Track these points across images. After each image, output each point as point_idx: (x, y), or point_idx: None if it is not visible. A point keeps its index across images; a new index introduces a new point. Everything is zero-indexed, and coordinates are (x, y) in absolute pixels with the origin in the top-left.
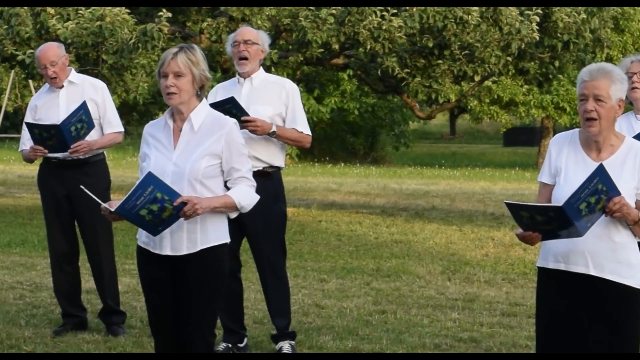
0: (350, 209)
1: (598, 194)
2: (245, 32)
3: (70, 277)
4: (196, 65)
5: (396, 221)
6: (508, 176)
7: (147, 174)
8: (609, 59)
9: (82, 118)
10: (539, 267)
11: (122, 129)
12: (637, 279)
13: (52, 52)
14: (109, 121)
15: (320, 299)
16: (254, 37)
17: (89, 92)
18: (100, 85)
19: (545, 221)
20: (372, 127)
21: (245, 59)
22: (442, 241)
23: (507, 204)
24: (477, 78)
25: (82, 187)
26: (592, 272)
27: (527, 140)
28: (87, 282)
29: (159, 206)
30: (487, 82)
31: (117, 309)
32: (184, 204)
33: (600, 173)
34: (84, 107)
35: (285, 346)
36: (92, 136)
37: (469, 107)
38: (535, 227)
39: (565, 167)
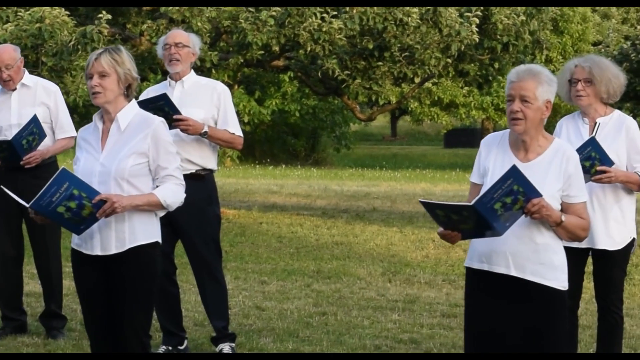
0: (291, 210)
1: (514, 194)
2: (177, 35)
3: (14, 281)
4: (121, 65)
5: (337, 223)
6: (449, 177)
7: (60, 170)
8: (549, 61)
9: (33, 130)
10: (466, 267)
11: (74, 134)
12: (560, 281)
13: (8, 55)
14: (61, 126)
15: (261, 301)
16: (185, 40)
17: (41, 95)
18: (54, 88)
19: (461, 220)
20: (313, 128)
21: (177, 61)
22: (383, 243)
23: (422, 203)
24: (417, 80)
25: (3, 188)
26: (513, 273)
27: (467, 141)
28: (27, 285)
29: (77, 203)
30: (428, 84)
31: (59, 313)
32: (103, 201)
33: (514, 174)
34: (34, 120)
35: (225, 348)
36: (45, 141)
37: (409, 108)
38: (453, 225)
39: (492, 167)
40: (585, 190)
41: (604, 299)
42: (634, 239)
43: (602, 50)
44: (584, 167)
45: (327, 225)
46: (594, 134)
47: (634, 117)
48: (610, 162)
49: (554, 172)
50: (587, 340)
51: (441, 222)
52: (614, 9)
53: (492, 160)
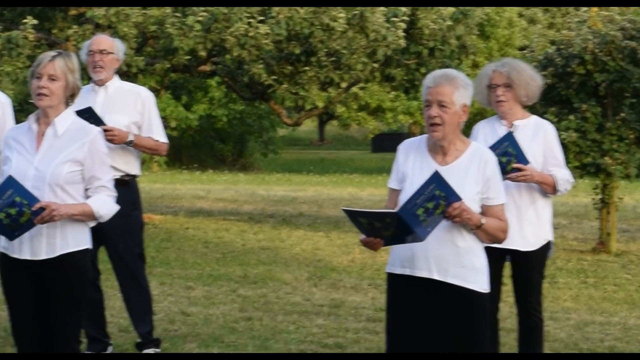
0: (218, 215)
1: (436, 199)
2: (101, 41)
3: None
4: (72, 73)
5: (263, 228)
6: (376, 182)
7: (7, 178)
8: (475, 65)
9: None
10: (387, 273)
11: None
12: (481, 284)
13: None
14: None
15: (187, 307)
16: (110, 46)
17: None
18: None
19: (384, 227)
20: (240, 133)
21: (101, 68)
22: (309, 247)
23: (345, 211)
24: (343, 84)
25: None
26: (436, 277)
27: (394, 146)
28: None
29: (17, 210)
30: (354, 89)
31: None
32: (42, 209)
33: (436, 179)
34: None
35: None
36: None
37: (336, 113)
38: (376, 233)
39: (411, 172)
40: (503, 192)
41: (523, 302)
42: (550, 241)
43: (528, 54)
44: (500, 163)
45: (254, 230)
46: (511, 131)
47: (559, 121)
48: (525, 161)
49: (472, 176)
50: (511, 343)
51: (364, 229)
52: (540, 14)
53: (411, 165)
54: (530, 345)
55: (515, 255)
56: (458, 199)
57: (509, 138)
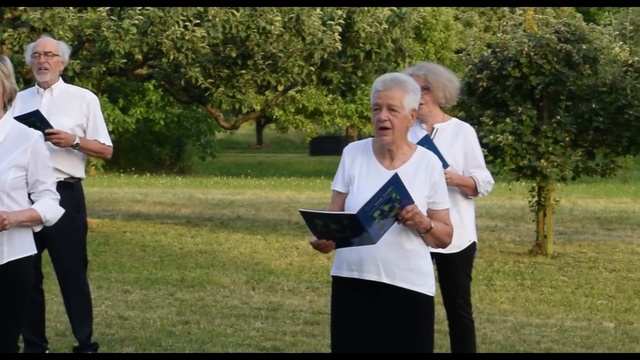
0: (156, 219)
1: (392, 202)
2: (46, 43)
3: None
4: (7, 78)
5: (201, 231)
6: (314, 185)
7: None
8: None
9: None
10: (333, 276)
11: None
12: (429, 286)
13: None
14: None
15: (124, 310)
16: (55, 48)
17: None
18: None
19: (339, 229)
20: (178, 137)
21: (46, 70)
22: (247, 251)
23: (302, 212)
24: (280, 88)
25: None
26: (385, 280)
27: (332, 149)
28: None
29: None
30: (292, 92)
31: None
32: None
33: (395, 182)
34: None
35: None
36: None
37: (274, 116)
38: (329, 235)
39: (358, 175)
40: (448, 197)
41: (451, 303)
42: (474, 242)
43: (464, 58)
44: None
45: (192, 234)
46: (431, 136)
47: (495, 124)
48: (445, 164)
49: (420, 180)
50: (449, 346)
51: (318, 231)
52: (476, 17)
53: (358, 168)
54: (463, 346)
55: (440, 258)
56: (411, 201)
57: (427, 141)
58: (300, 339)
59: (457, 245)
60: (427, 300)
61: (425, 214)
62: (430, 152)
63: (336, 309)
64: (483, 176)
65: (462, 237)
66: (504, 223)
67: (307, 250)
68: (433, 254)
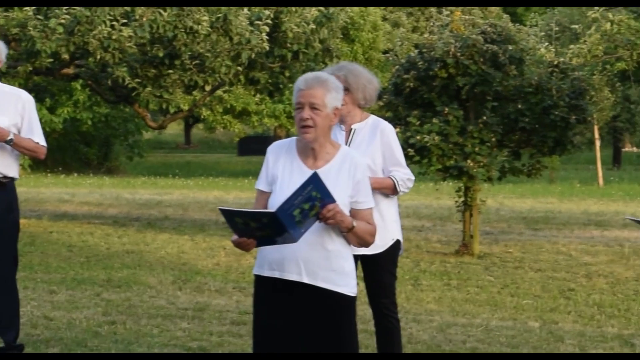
0: (83, 219)
1: (312, 200)
2: None
3: None
4: None
5: (128, 231)
6: (242, 185)
7: None
8: None
9: None
10: (255, 275)
11: None
12: (350, 287)
13: None
14: None
15: (50, 311)
16: None
17: None
18: None
19: (259, 227)
20: (105, 137)
21: None
22: (174, 251)
23: (222, 210)
24: (208, 88)
25: None
26: (305, 280)
27: (260, 149)
28: None
29: None
30: (219, 92)
31: None
32: None
33: (314, 181)
34: None
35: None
36: None
37: (202, 116)
38: (250, 233)
39: (281, 175)
40: (371, 196)
41: (377, 303)
42: (398, 240)
43: (391, 58)
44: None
45: (118, 234)
46: (349, 137)
47: (422, 124)
48: (332, 199)
49: (343, 179)
50: (375, 346)
51: (238, 229)
52: (404, 17)
53: (281, 167)
54: (389, 346)
55: (365, 258)
56: (333, 200)
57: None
58: (227, 339)
59: (380, 244)
60: (349, 300)
61: (348, 213)
62: (353, 151)
63: (258, 308)
64: (402, 174)
65: (385, 236)
66: (431, 223)
67: (234, 251)
68: (357, 256)
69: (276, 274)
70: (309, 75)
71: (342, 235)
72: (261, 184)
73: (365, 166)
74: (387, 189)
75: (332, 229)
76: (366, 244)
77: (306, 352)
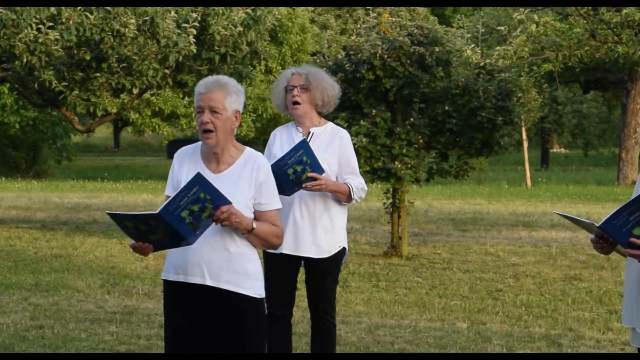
0: (10, 223)
1: (201, 202)
2: None
3: None
4: None
5: (56, 235)
6: None
7: None
8: (268, 71)
9: None
10: (163, 280)
11: None
12: (255, 288)
13: None
14: None
15: None
16: None
17: None
18: None
19: (150, 230)
20: (33, 140)
21: None
22: (103, 254)
23: (110, 215)
24: (135, 91)
25: None
26: (209, 283)
27: None
28: None
29: None
30: (147, 95)
31: None
32: None
33: (199, 181)
34: None
35: None
36: None
37: (130, 119)
38: (144, 237)
39: (185, 179)
40: (277, 198)
41: (316, 306)
42: (344, 247)
43: (318, 60)
44: (295, 172)
45: (46, 238)
46: (307, 139)
47: (349, 127)
48: (321, 170)
49: (245, 181)
50: (303, 347)
51: (131, 234)
52: (332, 19)
53: (185, 172)
54: (322, 349)
55: (309, 262)
56: (227, 202)
57: (304, 145)
58: (155, 343)
59: (327, 250)
60: (254, 302)
61: (251, 215)
62: (258, 153)
63: (167, 312)
64: (357, 183)
65: (333, 242)
66: (360, 225)
67: (163, 254)
68: (300, 259)
69: (181, 278)
70: (208, 79)
71: (245, 237)
72: (168, 190)
73: (269, 168)
74: (342, 195)
75: (235, 230)
76: (272, 245)
77: (211, 353)
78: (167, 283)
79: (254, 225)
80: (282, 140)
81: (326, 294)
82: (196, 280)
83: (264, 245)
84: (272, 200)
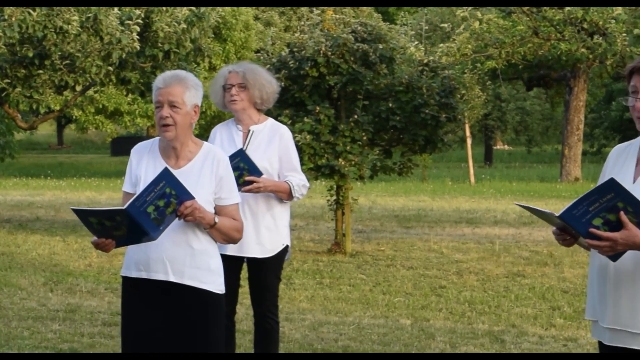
0: None
1: (167, 197)
2: None
3: None
4: None
5: None
6: (115, 185)
7: None
8: (212, 68)
9: None
10: (123, 277)
11: None
12: (217, 284)
13: None
14: None
15: None
16: None
17: None
18: None
19: (115, 226)
20: None
21: None
22: (46, 252)
23: (75, 211)
24: (78, 88)
25: None
26: (172, 279)
27: None
28: None
29: None
30: (91, 92)
31: None
32: None
33: (166, 176)
34: None
35: None
36: None
37: (74, 117)
38: (107, 233)
39: (144, 175)
40: (237, 192)
41: (259, 305)
42: (287, 245)
43: (262, 57)
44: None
45: None
46: (244, 147)
47: (293, 123)
48: (259, 173)
49: (205, 176)
50: (246, 345)
51: (95, 230)
52: (276, 17)
53: (144, 168)
54: (266, 347)
55: (252, 261)
56: (190, 197)
57: (241, 154)
58: (98, 341)
59: (270, 249)
60: (216, 298)
61: (212, 210)
62: (216, 148)
63: (126, 310)
64: (298, 180)
65: (277, 240)
66: (304, 222)
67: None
68: (243, 258)
69: (143, 275)
70: (167, 73)
71: (207, 232)
72: (126, 186)
73: (228, 162)
74: (283, 193)
75: (197, 226)
76: (233, 240)
77: (175, 350)
78: (127, 280)
79: (216, 220)
80: (223, 138)
81: (269, 292)
82: (159, 276)
83: (225, 240)
84: (232, 194)
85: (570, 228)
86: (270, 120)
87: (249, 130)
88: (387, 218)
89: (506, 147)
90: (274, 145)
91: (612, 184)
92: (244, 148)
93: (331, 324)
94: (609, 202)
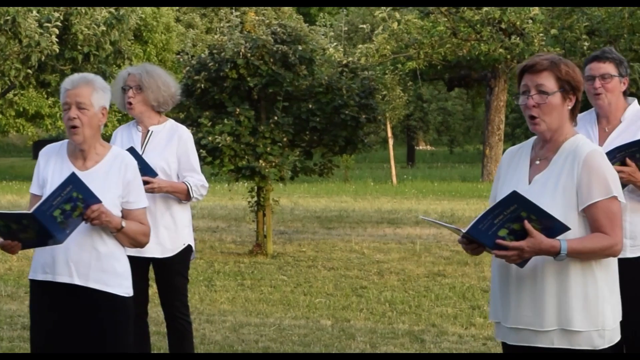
0: None
1: (73, 201)
2: None
3: None
4: None
5: None
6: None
7: None
8: None
9: None
10: (30, 280)
11: None
12: (124, 287)
13: None
14: None
15: None
16: None
17: None
18: None
19: (21, 229)
20: None
21: None
22: None
23: None
24: None
25: None
26: (77, 282)
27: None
28: None
29: None
30: (10, 95)
31: None
32: None
33: (73, 181)
34: None
35: None
36: None
37: None
38: (13, 235)
39: (51, 177)
40: (144, 196)
41: (168, 306)
42: (189, 245)
43: (182, 59)
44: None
45: None
46: (142, 147)
47: (213, 125)
48: (153, 173)
49: (113, 180)
50: (166, 348)
51: (1, 232)
52: (197, 18)
53: (51, 170)
54: (180, 347)
55: (156, 262)
56: (97, 201)
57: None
58: (18, 344)
59: (171, 249)
60: (123, 301)
61: (119, 213)
62: (125, 152)
63: (34, 313)
64: (196, 180)
65: (177, 240)
66: (226, 224)
67: (27, 255)
68: (148, 259)
69: (49, 277)
70: (75, 75)
71: (114, 236)
72: (33, 188)
73: (136, 166)
74: (180, 194)
75: (103, 229)
76: (139, 244)
77: (81, 352)
78: (34, 283)
79: (123, 224)
80: (123, 138)
81: (177, 292)
82: (64, 279)
83: (132, 244)
84: (140, 198)
85: (477, 241)
86: (170, 121)
87: (149, 131)
88: (308, 219)
89: (429, 147)
90: (173, 146)
91: (515, 196)
92: (142, 148)
93: (252, 325)
94: (513, 213)
